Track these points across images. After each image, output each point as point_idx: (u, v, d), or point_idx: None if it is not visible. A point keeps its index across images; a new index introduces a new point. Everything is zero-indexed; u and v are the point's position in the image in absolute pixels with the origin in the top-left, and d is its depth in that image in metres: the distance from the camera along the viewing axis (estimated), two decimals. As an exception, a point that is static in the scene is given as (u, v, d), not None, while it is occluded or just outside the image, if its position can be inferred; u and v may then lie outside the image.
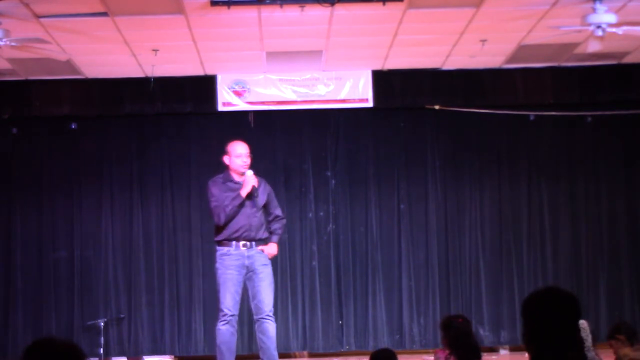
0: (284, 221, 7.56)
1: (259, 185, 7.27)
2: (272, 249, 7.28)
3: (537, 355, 3.06)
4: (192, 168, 10.53)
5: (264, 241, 7.31)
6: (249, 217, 7.18)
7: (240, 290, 7.20)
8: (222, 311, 7.18)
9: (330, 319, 10.34)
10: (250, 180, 7.19)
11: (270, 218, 7.41)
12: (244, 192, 7.16)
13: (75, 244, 10.37)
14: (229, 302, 7.12)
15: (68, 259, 10.34)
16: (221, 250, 7.25)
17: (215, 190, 7.30)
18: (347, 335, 10.35)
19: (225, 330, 7.12)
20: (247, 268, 7.17)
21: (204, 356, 10.32)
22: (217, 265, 7.27)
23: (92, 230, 10.42)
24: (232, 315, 7.14)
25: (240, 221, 7.17)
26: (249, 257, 7.17)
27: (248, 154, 7.32)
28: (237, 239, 7.19)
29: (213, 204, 7.29)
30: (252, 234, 7.19)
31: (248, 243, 7.18)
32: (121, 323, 10.29)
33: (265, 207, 7.38)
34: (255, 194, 7.21)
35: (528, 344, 3.08)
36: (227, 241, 7.21)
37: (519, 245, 10.53)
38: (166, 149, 10.54)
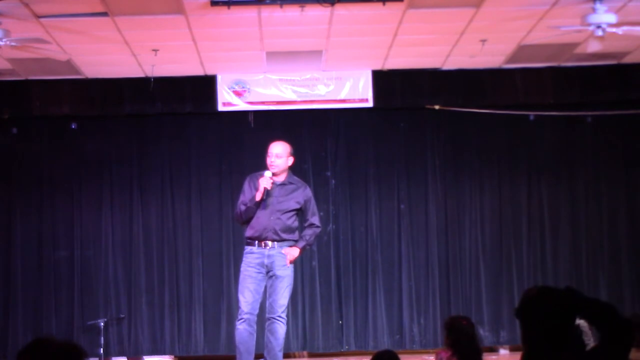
0: (317, 230, 7.34)
1: (276, 188, 7.17)
2: (292, 250, 7.15)
3: (529, 355, 3.07)
4: (192, 168, 10.53)
5: (290, 244, 7.21)
6: (271, 218, 7.11)
7: (260, 290, 7.13)
8: (239, 309, 7.17)
9: (330, 319, 10.34)
10: (262, 182, 7.11)
11: (305, 224, 7.34)
12: (257, 195, 7.11)
13: (75, 244, 10.37)
14: (245, 300, 7.09)
15: (68, 259, 10.35)
16: (246, 249, 7.26)
17: (246, 185, 7.29)
18: (347, 335, 10.35)
19: (243, 330, 7.06)
20: (266, 267, 7.13)
21: (204, 356, 10.33)
22: (242, 263, 7.27)
23: (92, 230, 10.42)
24: (248, 314, 7.06)
25: (261, 222, 7.11)
26: (269, 256, 7.11)
27: (279, 155, 7.17)
28: (259, 239, 7.13)
29: (239, 199, 7.33)
30: (274, 236, 7.11)
31: (270, 243, 7.12)
32: (121, 323, 10.29)
33: (303, 213, 7.34)
34: (266, 197, 7.12)
35: (523, 342, 3.11)
36: (250, 240, 7.19)
37: (519, 245, 10.53)
38: (166, 149, 10.54)
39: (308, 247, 7.51)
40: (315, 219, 7.33)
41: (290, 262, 7.16)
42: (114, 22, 8.10)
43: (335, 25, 8.43)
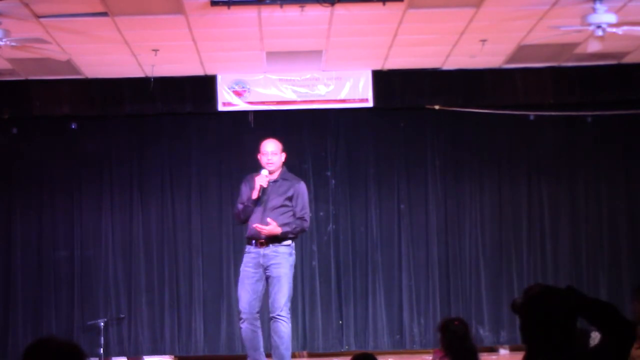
0: (305, 224, 7.31)
1: (270, 185, 7.22)
2: (273, 228, 7.08)
3: (530, 355, 3.08)
4: (192, 168, 10.53)
5: (282, 241, 7.22)
6: (264, 216, 7.14)
7: (258, 289, 7.20)
8: (238, 310, 7.33)
9: (330, 319, 10.34)
10: (258, 180, 7.17)
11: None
12: (254, 193, 7.17)
13: (75, 244, 10.37)
14: (242, 300, 7.20)
15: (68, 259, 10.35)
16: (245, 248, 7.33)
17: (243, 186, 7.37)
18: (347, 335, 10.35)
19: (245, 329, 7.20)
20: (262, 267, 7.18)
21: (204, 356, 10.33)
22: (241, 263, 7.36)
23: (92, 230, 10.42)
24: (247, 314, 7.16)
25: (253, 221, 7.17)
26: (264, 255, 7.16)
27: (274, 152, 7.25)
28: (255, 238, 7.19)
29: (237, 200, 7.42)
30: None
31: (265, 243, 7.16)
32: (121, 323, 10.29)
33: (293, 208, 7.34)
34: (262, 194, 7.17)
35: (524, 342, 3.12)
36: (248, 239, 7.27)
37: (519, 245, 10.53)
38: (166, 149, 10.54)
39: (291, 236, 7.29)
40: (304, 214, 7.31)
41: (264, 234, 7.10)
42: (114, 22, 8.10)
43: (335, 25, 8.43)
